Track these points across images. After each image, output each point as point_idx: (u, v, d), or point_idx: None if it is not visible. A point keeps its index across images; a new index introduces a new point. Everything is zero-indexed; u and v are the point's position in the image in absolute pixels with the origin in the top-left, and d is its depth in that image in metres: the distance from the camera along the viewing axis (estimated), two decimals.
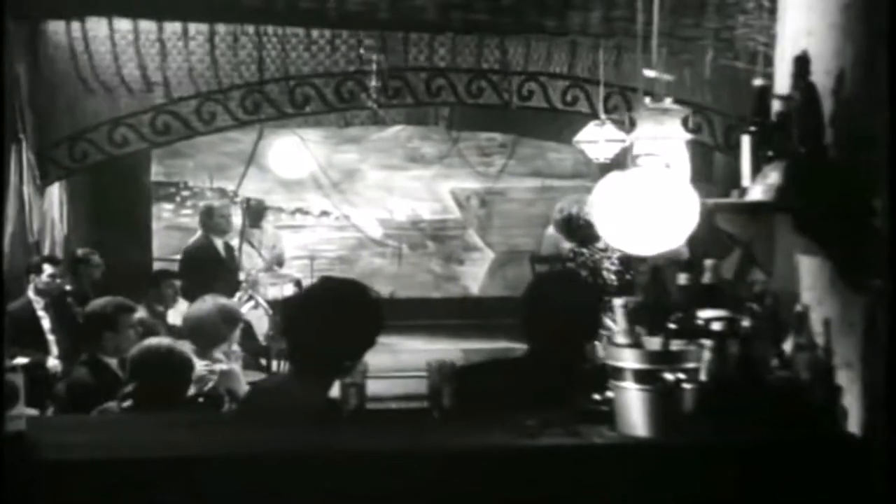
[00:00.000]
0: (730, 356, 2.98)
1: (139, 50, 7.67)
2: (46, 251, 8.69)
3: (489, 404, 3.14)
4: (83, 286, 8.96)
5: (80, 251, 9.36)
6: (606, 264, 6.13)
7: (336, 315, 3.36)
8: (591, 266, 6.19)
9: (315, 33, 8.11)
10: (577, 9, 4.58)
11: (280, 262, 11.14)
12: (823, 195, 2.86)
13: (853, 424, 2.93)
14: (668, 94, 3.90)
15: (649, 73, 6.13)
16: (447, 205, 12.85)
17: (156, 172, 12.00)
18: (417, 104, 8.68)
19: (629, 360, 2.82)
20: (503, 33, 5.97)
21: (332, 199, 12.44)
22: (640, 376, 2.80)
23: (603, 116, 6.96)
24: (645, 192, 3.09)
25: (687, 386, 2.81)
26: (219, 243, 8.70)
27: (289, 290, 10.85)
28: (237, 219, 10.18)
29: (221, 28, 7.89)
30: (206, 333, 5.81)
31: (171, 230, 11.85)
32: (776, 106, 3.10)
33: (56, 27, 7.91)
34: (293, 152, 12.02)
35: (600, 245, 6.13)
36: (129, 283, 8.16)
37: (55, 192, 9.10)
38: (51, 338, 7.51)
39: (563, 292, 3.39)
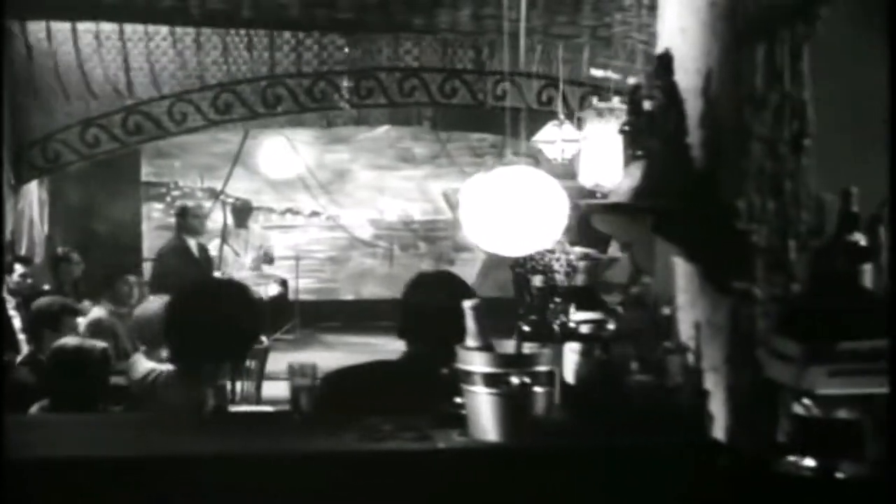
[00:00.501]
0: (597, 360, 2.92)
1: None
2: (24, 251, 8.75)
3: (358, 408, 3.10)
4: (63, 285, 9.01)
5: (59, 250, 9.41)
6: (556, 266, 6.05)
7: (213, 315, 3.35)
8: (542, 268, 6.11)
9: (287, 34, 8.11)
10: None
11: (269, 261, 11.15)
12: (682, 196, 2.79)
13: (719, 430, 2.86)
14: None
15: (597, 72, 6.08)
16: (438, 205, 12.79)
17: (146, 173, 12.05)
18: (390, 104, 8.65)
19: (478, 363, 2.76)
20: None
21: (319, 199, 12.42)
22: (489, 380, 2.74)
23: (562, 116, 6.90)
24: (511, 192, 3.04)
25: (538, 389, 2.76)
26: (192, 243, 8.69)
27: (274, 289, 10.86)
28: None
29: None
30: (152, 334, 5.81)
31: (161, 230, 11.86)
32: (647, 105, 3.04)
33: (33, 27, 7.94)
34: (282, 153, 12.02)
35: (549, 246, 6.06)
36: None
37: (34, 192, 9.16)
38: (21, 337, 7.53)
39: (437, 294, 3.33)
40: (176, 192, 11.99)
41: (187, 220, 8.69)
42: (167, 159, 12.05)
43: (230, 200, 11.60)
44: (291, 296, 11.56)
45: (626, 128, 3.07)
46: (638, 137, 2.99)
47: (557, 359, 3.00)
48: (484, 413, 2.76)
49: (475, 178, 3.14)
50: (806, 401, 2.48)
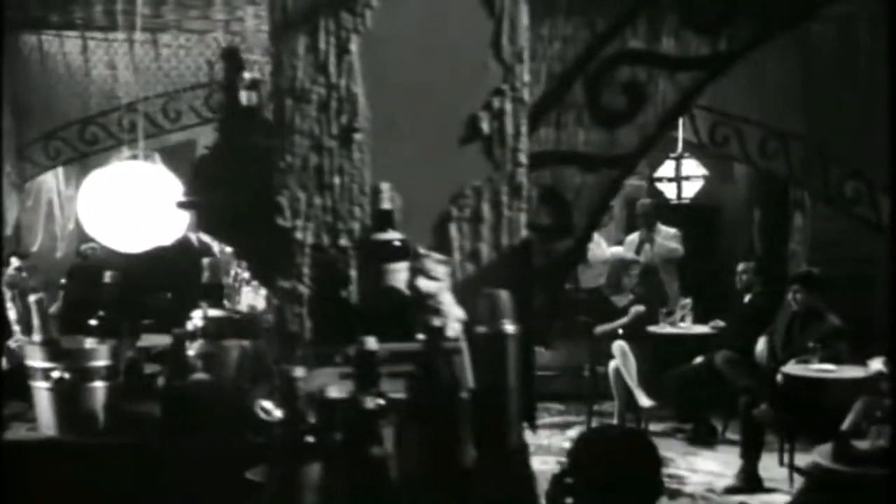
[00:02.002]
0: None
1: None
2: (36, 246, 9.18)
3: None
4: None
5: (82, 246, 9.85)
6: None
7: None
8: None
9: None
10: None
11: None
12: (219, 191, 2.74)
13: None
14: None
15: None
16: None
17: None
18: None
19: (34, 357, 2.80)
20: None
21: None
22: (44, 374, 2.78)
23: None
24: (126, 188, 3.07)
25: (98, 384, 2.79)
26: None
27: None
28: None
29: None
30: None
31: None
32: None
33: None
34: None
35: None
36: None
37: (52, 188, 9.58)
38: (16, 328, 7.93)
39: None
40: None
41: None
42: None
43: None
44: None
45: None
46: None
47: None
48: (41, 406, 2.81)
49: (94, 174, 3.17)
50: (264, 403, 2.41)
